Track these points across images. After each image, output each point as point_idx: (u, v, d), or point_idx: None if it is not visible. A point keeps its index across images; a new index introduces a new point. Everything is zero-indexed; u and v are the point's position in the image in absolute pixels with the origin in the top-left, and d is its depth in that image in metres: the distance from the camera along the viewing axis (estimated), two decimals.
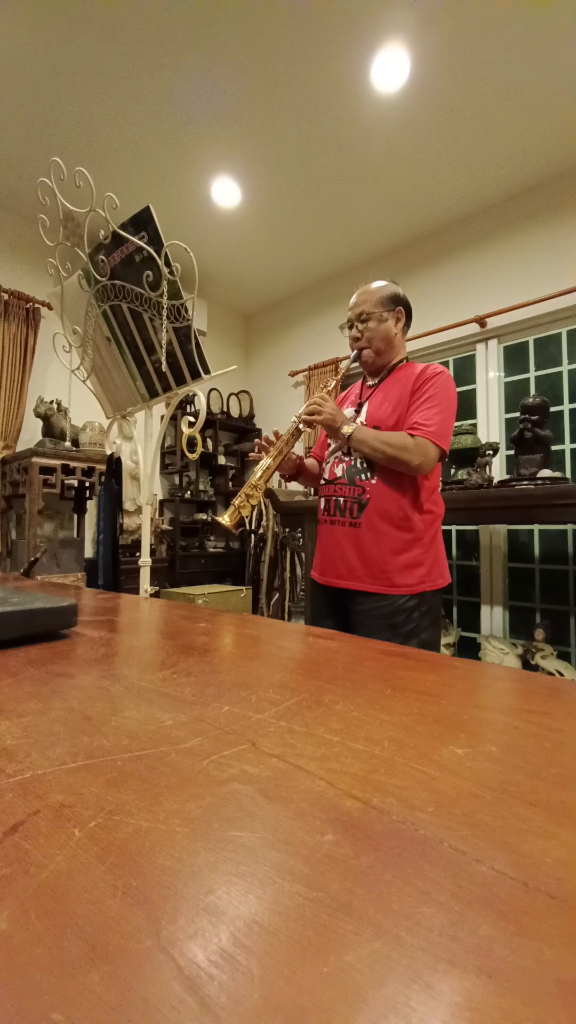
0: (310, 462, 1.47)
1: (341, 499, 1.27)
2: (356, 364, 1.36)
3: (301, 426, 1.29)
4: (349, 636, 0.64)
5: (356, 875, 0.19)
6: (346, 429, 1.23)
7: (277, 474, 1.38)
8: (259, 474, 1.26)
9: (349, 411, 1.35)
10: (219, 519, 1.22)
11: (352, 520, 1.24)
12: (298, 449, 3.66)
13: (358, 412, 1.32)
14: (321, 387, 1.36)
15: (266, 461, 1.28)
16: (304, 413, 1.27)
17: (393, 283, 1.34)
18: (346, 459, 1.29)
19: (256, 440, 1.34)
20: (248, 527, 3.97)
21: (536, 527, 2.88)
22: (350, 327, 1.34)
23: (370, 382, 1.37)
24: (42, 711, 0.35)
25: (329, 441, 1.39)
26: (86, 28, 2.04)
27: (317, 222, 3.27)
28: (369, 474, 1.24)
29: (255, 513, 3.95)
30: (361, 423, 1.28)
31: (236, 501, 1.23)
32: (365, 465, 1.25)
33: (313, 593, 1.41)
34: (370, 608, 1.22)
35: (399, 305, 1.31)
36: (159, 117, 2.48)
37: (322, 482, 1.36)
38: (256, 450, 1.33)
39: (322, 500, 1.34)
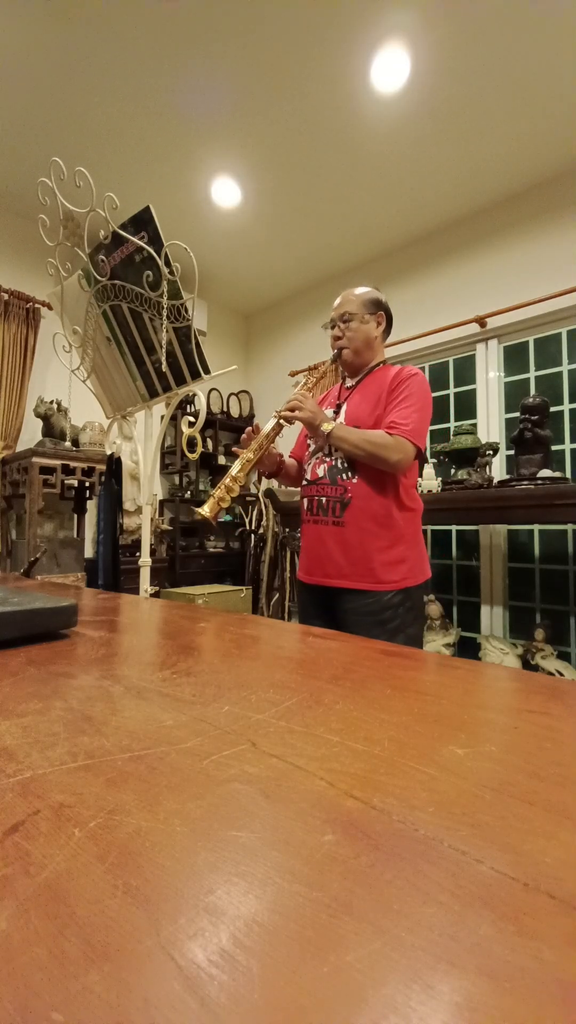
0: (290, 462, 1.50)
1: (324, 499, 1.30)
2: (335, 363, 1.40)
3: (281, 421, 1.30)
4: (349, 636, 0.64)
5: (356, 875, 0.19)
6: (325, 426, 1.26)
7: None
8: (238, 467, 1.27)
9: (328, 412, 1.37)
10: (199, 510, 1.24)
11: (335, 519, 1.27)
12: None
13: (337, 412, 1.36)
14: (300, 384, 1.38)
15: (247, 455, 1.29)
16: (285, 409, 1.30)
17: (376, 289, 1.39)
18: (327, 459, 1.31)
19: (243, 435, 1.35)
20: (248, 527, 3.97)
21: (536, 527, 2.88)
22: (332, 327, 1.38)
23: (348, 383, 1.41)
24: (42, 711, 0.35)
25: (309, 442, 1.42)
26: (86, 28, 2.04)
27: (317, 222, 3.27)
28: (351, 473, 1.27)
29: (255, 513, 3.95)
30: (340, 422, 1.31)
31: (216, 492, 1.24)
32: (346, 465, 1.28)
33: (300, 594, 1.42)
34: (357, 606, 1.24)
35: (380, 310, 1.36)
36: (159, 117, 2.48)
37: (304, 483, 1.38)
38: (241, 444, 1.34)
39: (305, 500, 1.36)
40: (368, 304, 1.34)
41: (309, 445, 1.41)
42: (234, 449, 1.37)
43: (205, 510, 1.23)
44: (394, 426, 1.22)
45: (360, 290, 1.37)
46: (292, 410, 1.28)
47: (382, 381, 1.30)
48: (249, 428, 1.35)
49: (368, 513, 1.24)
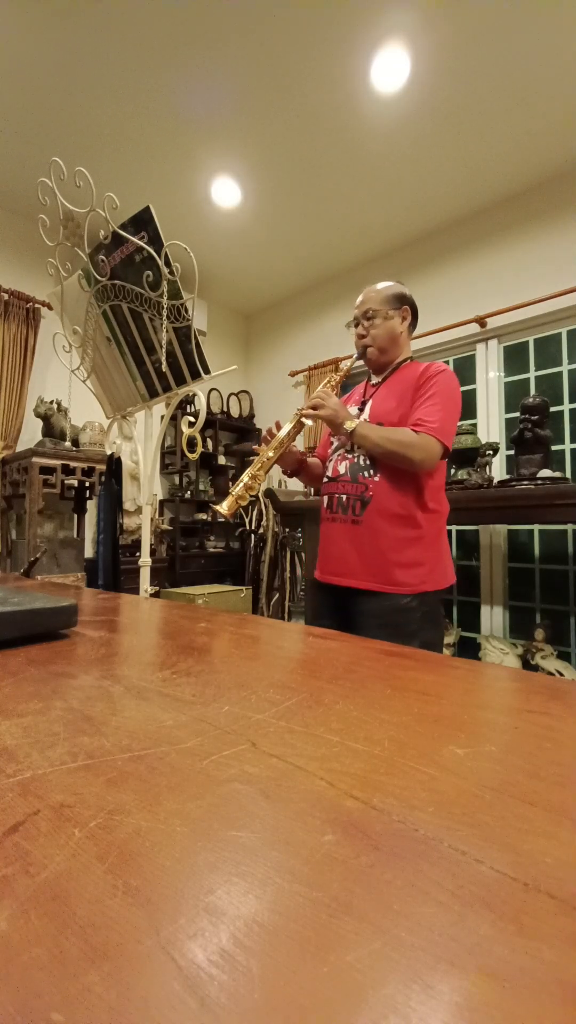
0: (313, 461, 1.46)
1: (344, 496, 1.26)
2: (360, 362, 1.35)
3: (303, 419, 1.28)
4: (349, 636, 0.63)
5: (356, 875, 0.19)
6: (348, 424, 1.23)
7: (278, 468, 1.38)
8: (259, 465, 1.25)
9: (353, 409, 1.34)
10: (217, 507, 1.23)
11: (354, 517, 1.24)
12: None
13: (361, 410, 1.32)
14: (325, 382, 1.36)
15: (267, 453, 1.27)
16: (307, 407, 1.27)
17: (399, 283, 1.34)
18: (349, 456, 1.28)
19: (263, 434, 1.33)
20: (248, 527, 3.97)
21: (536, 527, 2.88)
22: (356, 325, 1.34)
23: (374, 380, 1.37)
24: (42, 711, 0.35)
25: (332, 439, 1.38)
26: (86, 28, 2.04)
27: (317, 222, 3.27)
28: (372, 471, 1.23)
29: (255, 513, 3.95)
30: (364, 420, 1.27)
31: (235, 491, 1.23)
32: (369, 462, 1.24)
33: (313, 592, 1.39)
34: (370, 608, 1.21)
35: (405, 304, 1.31)
36: (159, 117, 2.48)
37: (325, 480, 1.35)
38: (261, 444, 1.32)
39: (324, 498, 1.33)
40: (391, 299, 1.30)
41: (332, 442, 1.38)
42: (254, 447, 1.36)
43: (224, 507, 1.21)
44: (420, 423, 1.18)
45: (382, 285, 1.32)
46: (314, 408, 1.25)
47: (409, 378, 1.26)
48: (270, 427, 1.32)
49: (388, 513, 1.20)
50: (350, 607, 1.26)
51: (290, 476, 1.46)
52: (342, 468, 1.29)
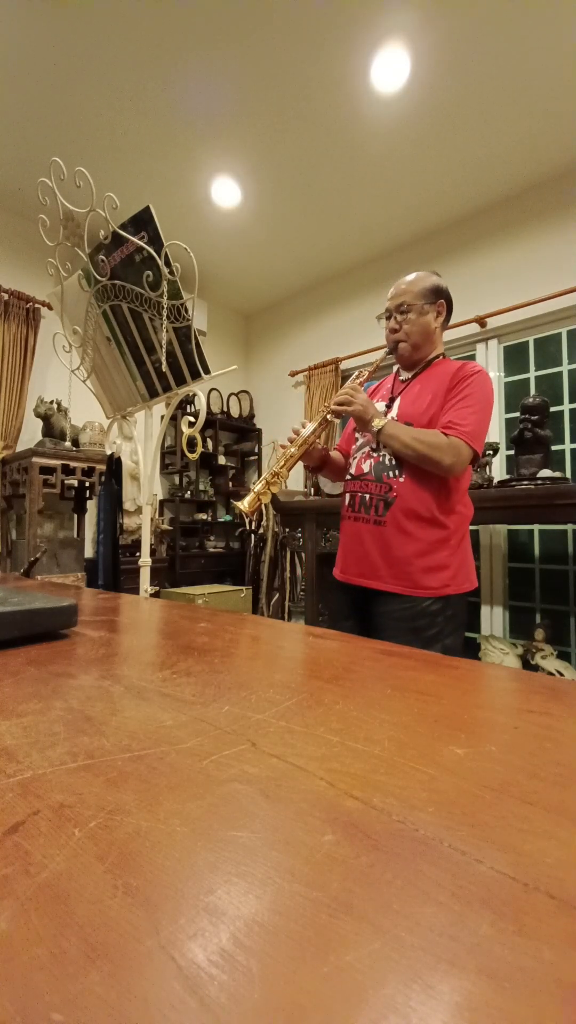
0: (335, 455, 1.42)
1: (367, 496, 1.23)
2: (391, 356, 1.31)
3: (330, 416, 1.25)
4: (349, 636, 0.63)
5: (356, 875, 0.19)
6: (376, 423, 1.19)
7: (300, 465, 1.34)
8: (283, 462, 1.23)
9: (380, 405, 1.28)
10: (238, 504, 1.21)
11: (377, 518, 1.20)
12: None
13: (389, 407, 1.27)
14: (353, 377, 1.32)
15: (291, 450, 1.24)
16: (334, 403, 1.23)
17: (436, 274, 1.29)
18: (374, 455, 1.24)
19: (291, 432, 1.30)
20: (248, 527, 3.97)
21: (536, 527, 2.88)
22: (388, 317, 1.29)
23: (403, 376, 1.32)
24: (42, 711, 0.35)
25: (357, 435, 1.34)
26: (86, 28, 2.04)
27: (317, 222, 3.27)
28: (397, 471, 1.19)
29: (255, 513, 3.94)
30: (392, 418, 1.23)
31: (256, 487, 1.20)
32: (394, 462, 1.20)
33: (334, 592, 1.35)
34: (392, 610, 1.18)
35: (441, 298, 1.26)
36: (159, 117, 2.48)
37: (348, 477, 1.31)
38: (286, 442, 1.29)
39: (347, 496, 1.29)
40: (427, 293, 1.24)
41: (357, 439, 1.34)
42: (279, 444, 1.33)
43: (244, 505, 1.19)
44: (451, 426, 1.13)
45: (415, 276, 1.26)
46: (342, 404, 1.21)
47: (442, 376, 1.21)
48: (294, 427, 1.29)
49: (412, 514, 1.17)
50: (371, 608, 1.23)
51: (313, 472, 1.43)
52: (366, 467, 1.25)
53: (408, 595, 1.16)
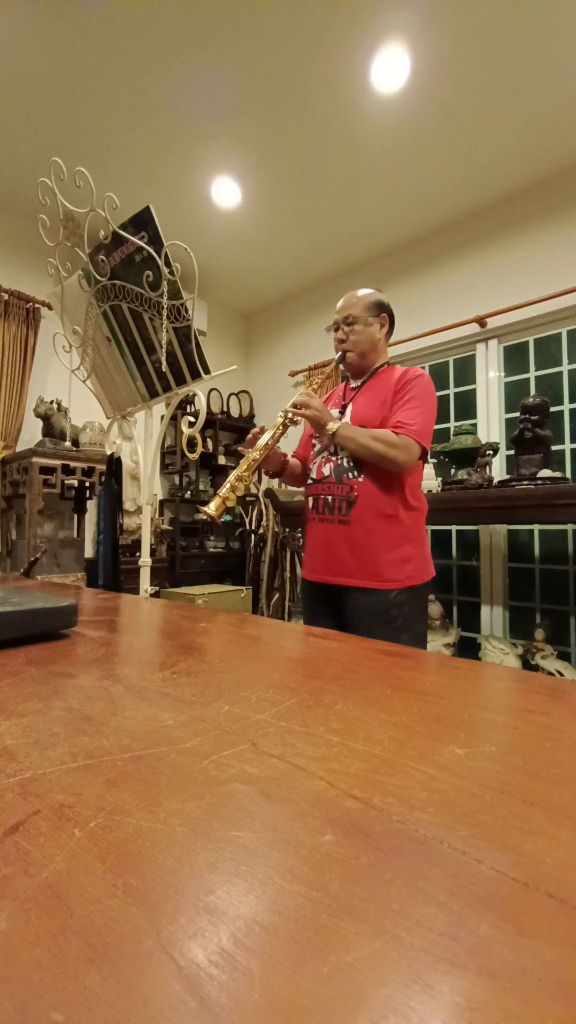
0: (294, 462, 1.50)
1: (330, 497, 1.31)
2: (339, 365, 1.41)
3: (289, 418, 1.31)
4: (349, 636, 0.64)
5: (356, 875, 0.19)
6: (331, 425, 1.27)
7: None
8: (244, 466, 1.28)
9: (334, 412, 1.37)
10: (204, 509, 1.25)
11: (341, 517, 1.28)
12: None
13: (342, 413, 1.36)
14: (306, 384, 1.41)
15: (252, 454, 1.30)
16: (291, 405, 1.30)
17: (378, 291, 1.40)
18: (333, 458, 1.32)
19: (249, 435, 1.36)
20: (248, 527, 3.97)
21: (536, 527, 2.88)
22: (336, 329, 1.40)
23: (353, 384, 1.42)
24: (42, 711, 0.35)
25: (314, 441, 1.43)
26: (86, 28, 2.04)
27: (317, 222, 3.27)
28: (357, 472, 1.27)
29: (255, 513, 3.95)
30: (346, 422, 1.32)
31: (221, 492, 1.25)
32: (352, 464, 1.28)
33: (306, 593, 1.42)
34: (364, 604, 1.25)
35: (383, 312, 1.37)
36: (159, 117, 2.48)
37: (309, 482, 1.39)
38: (246, 444, 1.35)
39: (310, 499, 1.37)
40: (371, 307, 1.35)
41: (314, 445, 1.42)
42: (240, 448, 1.39)
43: (211, 509, 1.23)
44: (400, 425, 1.23)
45: (363, 292, 1.38)
46: (299, 407, 1.29)
47: (387, 382, 1.31)
48: (255, 429, 1.35)
49: (374, 512, 1.25)
50: (343, 604, 1.29)
51: (272, 477, 1.49)
52: (326, 470, 1.33)
53: (377, 588, 1.25)
